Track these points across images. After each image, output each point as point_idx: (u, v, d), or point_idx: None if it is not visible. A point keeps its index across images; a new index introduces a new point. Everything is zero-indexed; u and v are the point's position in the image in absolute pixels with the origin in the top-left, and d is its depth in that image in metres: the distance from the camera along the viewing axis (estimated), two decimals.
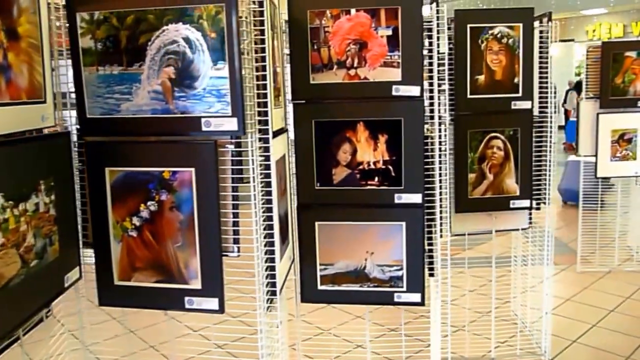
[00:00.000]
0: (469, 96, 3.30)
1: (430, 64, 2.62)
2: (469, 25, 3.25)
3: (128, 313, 3.49)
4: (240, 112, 1.91)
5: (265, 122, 2.08)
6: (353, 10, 2.50)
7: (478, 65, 3.28)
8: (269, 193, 2.11)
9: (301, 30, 2.52)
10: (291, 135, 2.60)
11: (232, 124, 1.92)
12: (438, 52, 2.65)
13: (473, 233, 3.53)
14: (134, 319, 3.79)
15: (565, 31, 16.39)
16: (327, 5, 2.50)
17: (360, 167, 2.60)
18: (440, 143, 2.71)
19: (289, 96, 2.60)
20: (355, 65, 2.53)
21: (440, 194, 2.74)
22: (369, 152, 2.58)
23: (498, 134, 3.35)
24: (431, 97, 2.65)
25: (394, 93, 2.52)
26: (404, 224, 2.62)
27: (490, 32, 3.26)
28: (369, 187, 2.61)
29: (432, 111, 2.64)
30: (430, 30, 2.61)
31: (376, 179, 2.60)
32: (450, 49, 3.31)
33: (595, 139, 4.85)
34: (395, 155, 2.57)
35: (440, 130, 2.71)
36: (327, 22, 2.51)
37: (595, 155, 4.88)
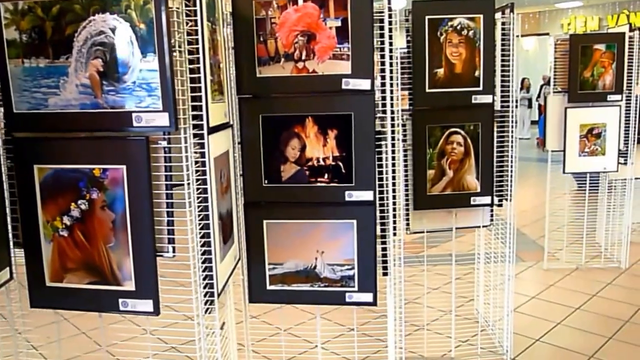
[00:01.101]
0: (427, 90, 3.29)
1: (382, 56, 2.60)
2: (427, 17, 3.23)
3: (76, 315, 3.44)
4: (172, 107, 1.88)
5: (202, 117, 2.05)
6: (301, 1, 2.47)
7: (437, 59, 3.27)
8: (205, 191, 2.08)
9: (246, 22, 2.48)
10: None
11: (163, 120, 1.88)
12: (391, 44, 2.62)
13: (432, 231, 3.53)
14: (84, 320, 3.73)
15: (540, 25, 16.50)
16: None
17: (310, 163, 2.57)
18: (393, 138, 2.69)
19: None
20: (303, 57, 2.50)
21: (395, 191, 2.73)
22: (319, 148, 2.56)
23: (458, 129, 3.35)
24: (383, 91, 2.63)
25: (343, 87, 2.50)
26: (354, 222, 2.61)
27: (449, 23, 3.25)
28: (318, 184, 2.59)
29: (384, 105, 2.62)
30: (382, 21, 2.59)
31: (326, 175, 2.58)
32: (408, 41, 3.30)
33: (564, 133, 4.88)
34: (345, 151, 2.55)
35: (393, 126, 2.70)
36: (273, 13, 2.48)
37: (563, 151, 4.91)
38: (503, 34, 3.45)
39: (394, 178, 2.71)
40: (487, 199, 3.42)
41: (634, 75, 4.82)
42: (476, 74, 3.30)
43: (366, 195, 2.57)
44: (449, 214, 3.49)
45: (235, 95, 2.56)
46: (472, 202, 3.42)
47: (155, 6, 1.82)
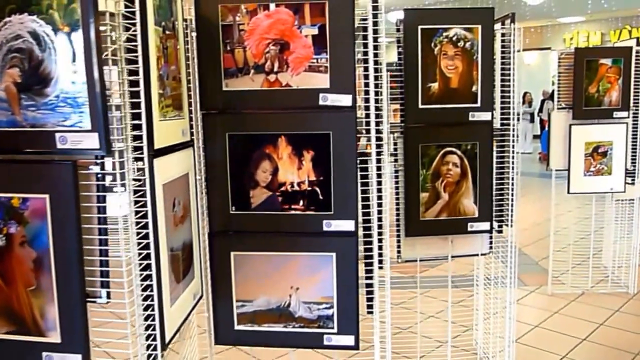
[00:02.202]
0: (420, 106, 2.92)
1: (366, 68, 2.24)
2: (420, 27, 2.87)
3: None
4: (102, 127, 1.51)
5: (148, 138, 1.68)
6: (273, 5, 2.11)
7: (431, 72, 2.90)
8: (147, 225, 1.70)
9: (211, 28, 2.13)
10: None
11: (92, 141, 1.52)
12: (377, 55, 2.26)
13: (426, 259, 3.14)
14: None
15: (542, 39, 16.09)
16: None
17: (283, 188, 2.20)
18: (379, 161, 2.32)
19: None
20: (275, 69, 2.14)
21: (380, 219, 2.36)
22: (293, 171, 2.19)
23: (454, 149, 2.97)
24: (367, 108, 2.26)
25: (321, 102, 2.13)
26: (333, 255, 2.23)
27: (444, 34, 2.89)
28: (292, 212, 2.22)
29: (368, 124, 2.25)
30: (366, 29, 2.22)
31: (301, 202, 2.21)
32: (399, 53, 2.94)
33: (568, 152, 4.49)
34: (323, 175, 2.18)
35: (380, 146, 2.32)
36: (242, 18, 2.12)
37: (568, 170, 4.52)
38: (503, 47, 3.08)
39: (380, 205, 2.34)
40: (485, 225, 3.04)
41: None
42: (473, 89, 2.93)
43: (346, 225, 2.20)
44: (444, 240, 3.11)
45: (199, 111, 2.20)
46: (469, 228, 3.04)
47: (82, 6, 1.46)
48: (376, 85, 2.26)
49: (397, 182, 3.02)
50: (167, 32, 1.87)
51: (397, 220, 3.05)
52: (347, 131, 2.14)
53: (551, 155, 4.59)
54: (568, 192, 4.55)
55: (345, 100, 2.12)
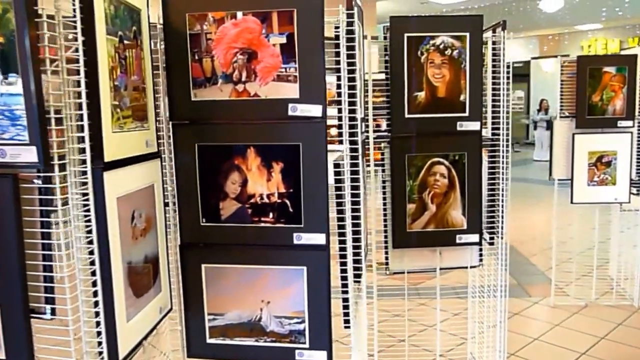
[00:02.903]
0: (407, 116, 2.81)
1: (340, 77, 2.14)
2: (406, 35, 2.76)
3: None
4: (40, 140, 1.43)
5: (100, 150, 1.60)
6: (240, 14, 2.02)
7: (417, 81, 2.79)
8: (100, 238, 1.62)
9: (179, 37, 2.04)
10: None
11: (31, 154, 1.44)
12: (352, 64, 2.16)
13: (414, 271, 3.02)
14: None
15: (559, 46, 15.77)
16: (208, 7, 2.02)
17: (252, 200, 2.11)
18: (354, 172, 2.21)
19: None
20: (243, 79, 2.05)
21: (358, 232, 2.25)
22: (262, 183, 2.09)
23: (441, 159, 2.85)
24: (340, 118, 2.16)
25: (290, 113, 2.03)
26: (304, 269, 2.13)
27: (431, 42, 2.77)
28: (262, 224, 2.12)
29: (341, 134, 2.15)
30: (338, 37, 2.12)
31: (271, 215, 2.11)
32: (386, 61, 2.83)
33: (571, 161, 4.32)
34: (292, 187, 2.07)
35: (356, 158, 2.22)
36: (209, 27, 2.03)
37: (571, 180, 4.35)
38: (494, 54, 2.95)
39: (356, 218, 2.23)
40: (474, 237, 2.91)
41: None
42: (461, 98, 2.81)
43: (317, 239, 2.09)
44: (432, 252, 2.99)
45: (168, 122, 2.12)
46: (457, 241, 2.91)
47: (16, 16, 1.39)
48: (351, 95, 2.16)
49: (384, 193, 2.91)
50: (126, 42, 1.79)
51: (385, 231, 2.94)
52: (317, 142, 2.04)
53: (554, 165, 4.43)
54: (571, 202, 4.38)
55: (315, 110, 2.02)
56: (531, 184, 9.23)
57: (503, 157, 2.94)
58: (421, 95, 2.80)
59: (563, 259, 4.77)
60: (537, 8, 13.58)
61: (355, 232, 2.23)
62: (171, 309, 2.16)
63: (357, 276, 2.30)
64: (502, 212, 2.97)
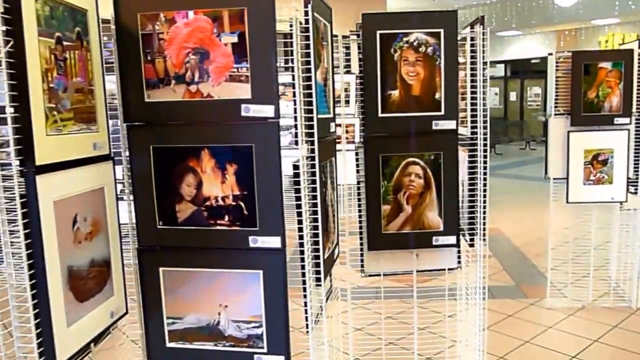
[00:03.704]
0: (380, 115, 2.75)
1: (294, 77, 2.09)
2: (378, 32, 2.70)
3: None
4: None
5: (32, 153, 1.58)
6: (191, 13, 1.98)
7: (391, 79, 2.73)
8: (37, 241, 1.60)
9: (131, 38, 2.02)
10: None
11: None
12: (308, 63, 2.11)
13: (390, 273, 2.96)
14: None
15: (576, 42, 15.46)
16: (160, 6, 1.99)
17: (207, 203, 2.07)
18: (313, 174, 2.16)
19: None
20: (196, 79, 2.01)
21: (316, 235, 2.20)
22: (217, 185, 2.05)
23: (416, 159, 2.79)
24: (296, 118, 2.11)
25: (243, 113, 1.99)
26: (260, 272, 2.09)
27: (405, 39, 2.71)
28: (218, 227, 2.08)
29: (297, 135, 2.10)
30: (292, 36, 2.08)
31: (226, 217, 2.07)
32: (360, 59, 2.77)
33: (566, 159, 4.22)
34: (247, 189, 2.04)
35: (312, 159, 2.17)
36: (161, 27, 2.00)
37: (567, 178, 4.24)
38: (472, 51, 2.88)
39: (315, 220, 2.18)
40: (451, 239, 2.84)
41: None
42: (436, 96, 2.74)
43: (273, 242, 2.05)
44: (409, 254, 2.92)
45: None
46: (434, 242, 2.85)
47: None
48: (307, 95, 2.11)
49: (359, 194, 2.86)
50: (67, 43, 1.76)
51: (360, 233, 2.89)
52: (270, 143, 2.00)
53: (549, 164, 4.32)
54: (567, 202, 4.28)
55: (268, 111, 1.98)
56: (546, 183, 9.08)
57: (483, 157, 2.86)
58: (395, 93, 2.74)
59: (564, 260, 4.65)
60: (550, 3, 13.36)
61: (314, 235, 2.18)
62: (126, 312, 2.13)
63: (317, 280, 2.25)
64: (483, 213, 2.89)
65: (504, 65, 19.68)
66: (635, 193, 4.27)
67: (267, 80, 1.97)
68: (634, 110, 4.16)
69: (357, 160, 2.84)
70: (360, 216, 2.86)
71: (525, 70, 18.94)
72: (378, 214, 2.82)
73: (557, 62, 4.19)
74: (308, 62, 2.13)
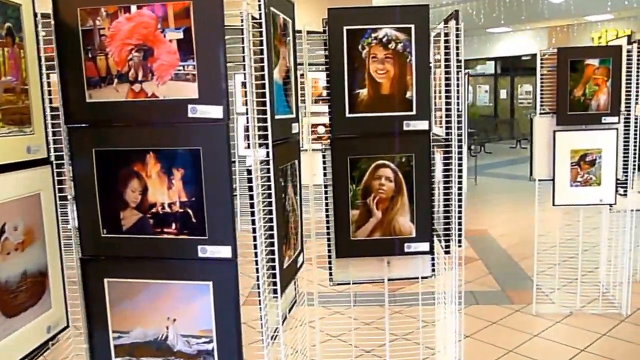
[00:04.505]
0: (348, 115, 2.67)
1: (254, 77, 2.00)
2: (345, 28, 2.62)
3: None
4: None
5: None
6: (134, 7, 1.89)
7: (359, 77, 2.65)
8: None
9: (71, 34, 1.93)
10: None
11: None
12: (262, 61, 2.02)
13: (360, 282, 2.88)
14: None
15: (569, 38, 15.39)
16: (101, 0, 1.90)
17: (153, 210, 1.99)
18: (268, 179, 2.08)
19: None
20: (140, 78, 1.92)
21: (273, 244, 2.12)
22: (163, 191, 1.97)
23: (386, 162, 2.71)
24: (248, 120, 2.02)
25: (190, 115, 1.91)
26: (210, 284, 2.00)
27: (373, 35, 2.63)
28: (165, 235, 2.00)
29: (248, 137, 2.02)
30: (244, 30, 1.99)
31: (173, 225, 1.99)
32: (326, 57, 2.69)
33: (552, 160, 4.14)
34: (195, 195, 1.95)
35: (268, 163, 2.08)
36: (102, 22, 1.91)
37: (553, 180, 4.17)
38: (446, 48, 2.79)
39: (270, 229, 2.09)
40: (424, 246, 2.76)
41: (633, 94, 4.04)
42: (407, 95, 2.66)
43: (223, 251, 1.97)
44: (380, 262, 2.84)
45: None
46: (406, 249, 2.77)
47: None
48: (261, 95, 2.02)
49: (326, 199, 2.77)
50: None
51: (328, 240, 2.80)
52: (218, 147, 1.91)
53: (534, 164, 4.24)
54: (553, 204, 4.20)
55: (215, 112, 1.89)
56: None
57: (457, 159, 2.77)
58: (363, 92, 2.66)
59: (553, 263, 4.58)
60: None
61: (269, 244, 2.09)
62: (67, 326, 2.04)
63: (275, 292, 2.16)
64: (458, 218, 2.80)
65: (494, 63, 19.65)
66: (625, 195, 4.20)
67: (215, 79, 1.88)
68: (622, 108, 4.08)
69: (324, 162, 2.75)
70: (327, 221, 2.78)
71: (516, 68, 18.90)
72: (346, 219, 2.74)
73: (541, 59, 4.11)
74: (261, 59, 2.04)
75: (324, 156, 2.76)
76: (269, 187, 2.09)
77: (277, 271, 2.12)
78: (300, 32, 2.67)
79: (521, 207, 8.28)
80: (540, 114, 4.17)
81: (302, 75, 2.64)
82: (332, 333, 3.94)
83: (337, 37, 2.63)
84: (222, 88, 1.88)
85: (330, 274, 2.85)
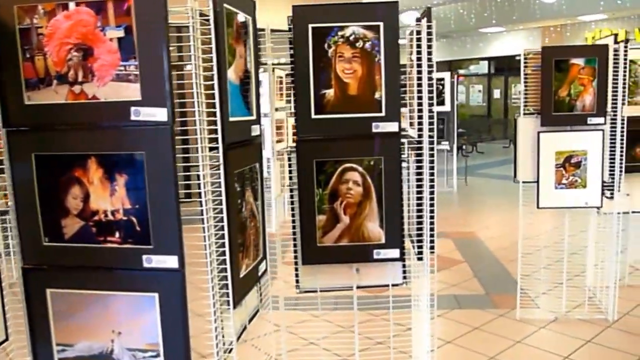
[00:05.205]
0: (313, 116, 2.57)
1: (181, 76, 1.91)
2: (311, 26, 2.52)
3: None
4: None
5: None
6: (72, 5, 1.79)
7: (325, 77, 2.56)
8: None
9: (8, 33, 1.83)
10: None
11: None
12: (205, 61, 1.93)
13: (328, 289, 2.78)
14: None
15: (562, 38, 15.25)
16: None
17: (96, 217, 1.89)
18: (225, 185, 1.98)
19: None
20: (80, 79, 1.83)
21: (225, 253, 2.02)
22: (105, 197, 1.87)
23: (354, 165, 2.61)
24: (182, 123, 1.92)
25: (133, 117, 1.81)
26: (156, 295, 1.91)
27: (340, 33, 2.53)
28: (109, 244, 1.90)
29: (186, 142, 1.92)
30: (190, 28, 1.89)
31: (117, 234, 1.89)
32: (291, 56, 2.59)
33: (537, 162, 4.04)
34: (139, 202, 1.85)
35: (220, 167, 1.99)
36: (40, 20, 1.82)
37: (537, 182, 4.06)
38: (418, 46, 2.69)
39: (221, 238, 2.00)
40: (394, 253, 2.66)
41: (619, 94, 3.93)
42: (376, 96, 2.56)
43: (169, 261, 1.87)
44: (349, 269, 2.74)
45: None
46: (375, 256, 2.67)
47: None
48: (211, 97, 1.92)
49: (292, 203, 2.68)
50: None
51: (295, 246, 2.71)
52: (163, 151, 1.82)
53: (518, 166, 4.14)
54: (537, 207, 4.10)
55: (159, 114, 1.80)
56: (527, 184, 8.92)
57: (429, 162, 2.67)
58: (330, 93, 2.56)
59: (540, 267, 4.48)
60: None
61: (220, 254, 2.00)
62: (6, 339, 1.95)
63: (228, 303, 2.07)
64: (430, 224, 2.70)
65: (487, 62, 19.53)
66: (612, 198, 4.10)
67: (158, 79, 1.79)
68: (608, 109, 3.98)
69: (289, 165, 2.65)
70: (294, 227, 2.68)
71: (510, 67, 18.75)
72: (313, 224, 2.64)
73: (525, 58, 4.01)
74: (219, 59, 1.95)
75: (289, 159, 2.66)
76: (219, 194, 1.99)
77: (230, 281, 2.02)
78: (263, 30, 2.57)
79: (512, 208, 8.14)
80: (525, 114, 4.06)
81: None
82: (308, 338, 3.84)
83: (302, 35, 2.53)
84: (166, 89, 1.79)
85: (297, 281, 2.75)
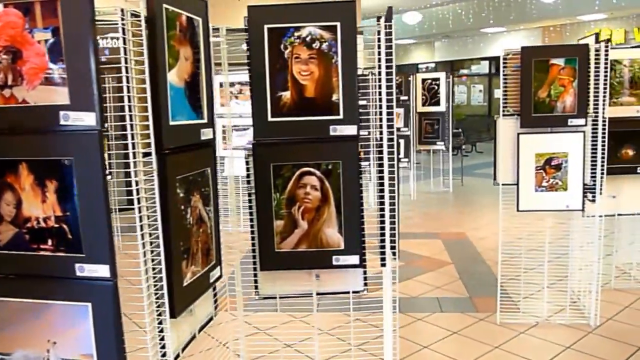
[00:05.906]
0: (270, 119, 2.52)
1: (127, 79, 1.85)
2: (266, 26, 2.46)
3: None
4: None
5: None
6: (1, 6, 1.74)
7: (281, 79, 2.50)
8: None
9: None
10: None
11: None
12: (138, 62, 1.87)
13: (287, 296, 2.72)
14: None
15: (562, 38, 15.11)
16: None
17: (29, 224, 1.85)
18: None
19: None
20: (9, 83, 1.78)
21: (169, 259, 1.97)
22: (37, 204, 1.83)
23: (312, 169, 2.56)
24: (124, 127, 1.87)
25: (62, 122, 1.77)
26: (89, 305, 1.86)
27: (296, 34, 2.47)
28: (42, 252, 1.86)
29: (121, 147, 1.87)
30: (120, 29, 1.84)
31: (50, 242, 1.85)
32: (248, 57, 2.53)
33: (516, 164, 3.96)
34: (69, 209, 1.80)
35: (162, 172, 1.93)
36: None
37: (517, 184, 3.99)
38: (379, 47, 2.63)
39: (157, 246, 1.94)
40: (353, 259, 2.60)
41: (600, 95, 3.85)
42: (334, 98, 2.50)
43: (101, 270, 1.82)
44: (308, 275, 2.68)
45: None
46: (334, 262, 2.61)
47: None
48: (140, 100, 1.87)
49: (250, 208, 2.62)
50: None
51: (253, 251, 2.65)
52: (92, 157, 1.77)
53: (498, 168, 4.06)
54: (517, 210, 4.02)
55: (88, 119, 1.75)
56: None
57: (390, 167, 2.61)
58: (286, 95, 2.50)
59: (525, 269, 4.39)
60: None
61: (158, 262, 1.94)
62: None
63: (172, 313, 2.01)
64: (392, 230, 2.64)
65: (488, 62, 19.40)
66: (593, 200, 4.01)
67: (86, 83, 1.74)
68: (590, 110, 3.89)
69: (247, 169, 2.60)
70: (252, 232, 2.63)
71: None
72: (270, 230, 2.58)
73: (504, 59, 3.93)
74: (156, 61, 1.89)
75: (247, 162, 2.60)
76: (160, 199, 1.94)
77: (166, 291, 1.96)
78: (218, 30, 2.52)
79: (505, 211, 8.08)
80: (504, 115, 3.99)
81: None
82: (283, 340, 3.79)
83: (258, 36, 2.47)
84: (94, 93, 1.74)
85: (256, 287, 2.69)
